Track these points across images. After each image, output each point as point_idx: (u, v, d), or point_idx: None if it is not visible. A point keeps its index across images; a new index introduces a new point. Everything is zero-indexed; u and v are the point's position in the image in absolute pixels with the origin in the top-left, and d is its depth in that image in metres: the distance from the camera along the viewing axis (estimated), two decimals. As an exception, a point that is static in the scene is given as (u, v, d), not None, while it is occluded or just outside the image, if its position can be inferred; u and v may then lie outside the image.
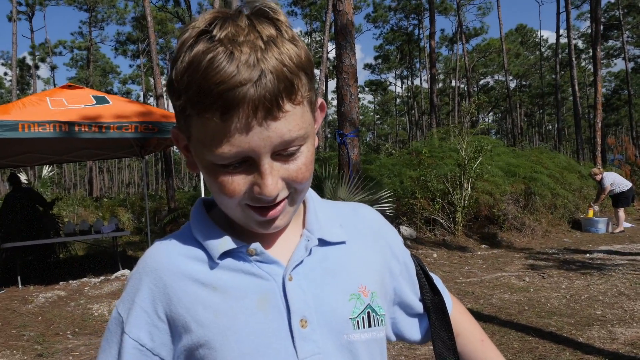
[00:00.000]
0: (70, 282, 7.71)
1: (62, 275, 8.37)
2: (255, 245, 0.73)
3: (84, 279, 7.86)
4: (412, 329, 0.91)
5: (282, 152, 0.65)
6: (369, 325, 0.76)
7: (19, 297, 6.92)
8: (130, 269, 8.36)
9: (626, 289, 6.06)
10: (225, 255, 0.73)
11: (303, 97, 0.65)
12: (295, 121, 0.64)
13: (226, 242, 0.73)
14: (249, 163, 0.65)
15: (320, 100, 0.75)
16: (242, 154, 0.63)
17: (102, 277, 7.91)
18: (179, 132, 0.71)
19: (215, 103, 0.60)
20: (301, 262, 0.75)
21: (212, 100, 0.60)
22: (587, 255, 8.55)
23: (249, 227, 0.72)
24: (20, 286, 7.55)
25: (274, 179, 0.65)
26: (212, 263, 0.73)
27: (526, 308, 5.44)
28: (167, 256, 0.76)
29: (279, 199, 0.67)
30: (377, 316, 0.77)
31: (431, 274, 0.94)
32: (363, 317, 0.75)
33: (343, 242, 0.80)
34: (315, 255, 0.76)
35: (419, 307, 0.90)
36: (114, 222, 9.36)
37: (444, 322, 0.90)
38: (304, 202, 0.83)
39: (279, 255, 0.75)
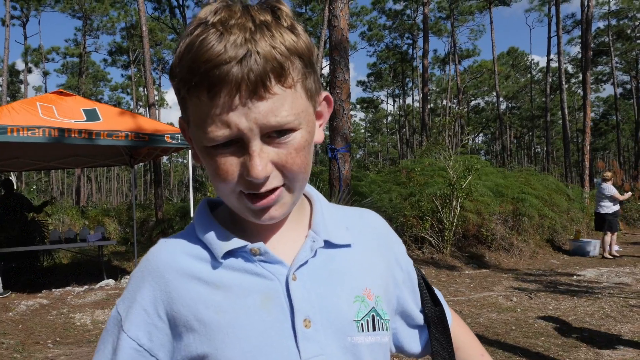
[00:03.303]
0: (53, 290, 7.60)
1: (45, 283, 8.24)
2: (259, 245, 0.72)
3: (68, 288, 7.75)
4: (412, 341, 0.89)
5: (273, 135, 0.65)
6: (374, 329, 0.74)
7: (0, 304, 6.79)
8: (115, 278, 8.29)
9: (613, 311, 6.07)
10: (228, 254, 0.73)
11: (295, 82, 0.64)
12: (284, 104, 0.63)
13: (230, 241, 0.73)
14: (240, 145, 0.65)
15: (324, 93, 0.74)
16: (231, 135, 0.63)
17: (86, 287, 7.80)
18: (182, 121, 0.72)
19: (202, 81, 0.62)
20: (306, 262, 0.73)
21: (199, 78, 0.62)
22: (575, 277, 8.57)
23: (246, 217, 0.72)
24: (1, 288, 7.42)
25: (262, 161, 0.64)
26: (215, 262, 0.73)
27: (513, 328, 5.42)
28: (170, 255, 0.75)
29: (270, 186, 0.66)
30: (382, 320, 0.76)
31: (432, 287, 0.92)
32: (367, 320, 0.74)
33: (348, 245, 0.79)
34: (320, 257, 0.75)
35: (419, 318, 0.88)
36: (100, 230, 9.27)
37: (444, 334, 0.88)
38: (310, 204, 0.82)
39: (283, 255, 0.74)
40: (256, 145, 0.64)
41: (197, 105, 0.64)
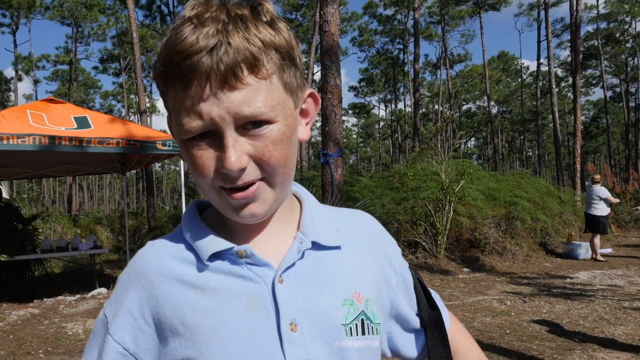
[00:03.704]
0: (44, 299, 7.53)
1: (37, 292, 8.17)
2: (245, 247, 0.71)
3: (59, 297, 7.68)
4: (408, 345, 0.87)
5: (249, 127, 0.64)
6: (363, 333, 0.73)
7: (-9, 314, 6.72)
8: (108, 287, 8.23)
9: (606, 314, 6.08)
10: (215, 257, 0.72)
11: (270, 74, 0.64)
12: (258, 95, 0.63)
13: (215, 244, 0.72)
14: (216, 137, 0.65)
15: (309, 90, 0.74)
16: (205, 125, 0.63)
17: (78, 295, 7.74)
18: (169, 119, 0.72)
19: (175, 73, 0.62)
20: (293, 264, 0.72)
21: (172, 70, 0.63)
22: (568, 280, 8.59)
23: (228, 216, 0.71)
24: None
25: (237, 152, 0.64)
26: (201, 265, 0.72)
27: (508, 332, 5.42)
28: (156, 258, 0.75)
29: (247, 178, 0.66)
30: (372, 324, 0.74)
31: (429, 289, 0.91)
32: (356, 324, 0.72)
33: (338, 247, 0.77)
34: (308, 259, 0.74)
35: (415, 321, 0.86)
36: (92, 239, 9.20)
37: (440, 338, 0.86)
38: (300, 205, 0.81)
39: (271, 257, 0.73)
40: (230, 136, 0.64)
41: (173, 98, 0.65)
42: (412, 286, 0.87)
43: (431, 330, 0.86)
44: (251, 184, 0.67)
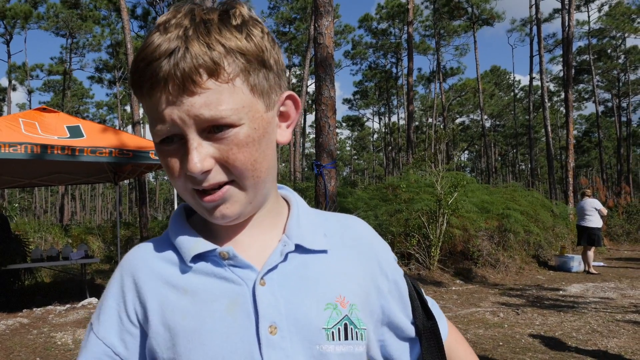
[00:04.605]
0: (34, 309, 7.44)
1: (26, 302, 8.07)
2: (228, 249, 0.71)
3: (49, 307, 7.59)
4: (403, 354, 0.84)
5: (213, 131, 0.65)
6: (345, 338, 0.71)
7: (-21, 324, 6.63)
8: (98, 297, 8.13)
9: (599, 326, 6.08)
10: (198, 258, 0.72)
11: (232, 77, 0.64)
12: (220, 99, 0.63)
13: (198, 245, 0.72)
14: (183, 142, 0.66)
15: (287, 92, 0.74)
16: (170, 129, 0.65)
17: (68, 305, 7.66)
18: None
19: (141, 79, 0.64)
20: (275, 267, 0.71)
21: (138, 76, 0.64)
22: (561, 292, 8.59)
23: (204, 217, 0.71)
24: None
25: (199, 155, 0.64)
26: (185, 266, 0.72)
27: (501, 344, 5.40)
28: (142, 258, 0.75)
29: (213, 181, 0.66)
30: (356, 329, 0.72)
31: (427, 297, 0.89)
32: (339, 329, 0.71)
33: (324, 251, 0.76)
34: (292, 262, 0.73)
35: (410, 330, 0.83)
36: (83, 248, 9.13)
37: (436, 348, 0.84)
38: (288, 207, 0.81)
39: (254, 259, 0.72)
40: (193, 139, 0.64)
41: (144, 103, 0.67)
42: (406, 294, 0.85)
43: (427, 339, 0.84)
44: (219, 186, 0.67)
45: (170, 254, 0.74)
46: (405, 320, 0.83)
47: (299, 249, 0.74)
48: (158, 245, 0.76)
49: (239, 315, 0.68)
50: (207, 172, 0.65)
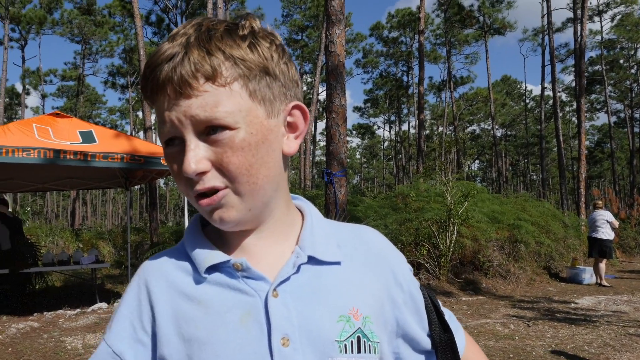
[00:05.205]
0: (44, 313, 7.48)
1: (37, 306, 8.12)
2: (241, 260, 0.71)
3: (60, 311, 7.63)
4: None
5: (210, 133, 0.66)
6: (358, 351, 0.70)
7: (-10, 327, 6.68)
8: (108, 302, 8.18)
9: (611, 339, 6.00)
10: (212, 269, 0.72)
11: (229, 81, 0.65)
12: (217, 101, 0.65)
13: (212, 256, 0.72)
14: (184, 144, 0.67)
15: (294, 102, 0.74)
16: (171, 131, 0.67)
17: (78, 310, 7.69)
18: None
19: (147, 84, 0.67)
20: (288, 278, 0.71)
21: (145, 81, 0.68)
22: (572, 305, 8.50)
23: (208, 220, 0.72)
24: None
25: (195, 157, 0.66)
26: (199, 277, 0.72)
27: (511, 356, 5.35)
28: (158, 268, 0.76)
29: (208, 184, 0.67)
30: (369, 342, 0.72)
31: (443, 309, 0.88)
32: (352, 341, 0.70)
33: (338, 263, 0.76)
34: (305, 273, 0.73)
35: (426, 342, 0.82)
36: (94, 253, 9.17)
37: None
38: (302, 218, 0.80)
39: (267, 271, 0.72)
40: (190, 140, 0.66)
41: (152, 106, 0.70)
42: (422, 306, 0.84)
43: (443, 352, 0.83)
44: (215, 191, 0.67)
45: (185, 265, 0.75)
46: (420, 332, 0.82)
47: (312, 260, 0.74)
48: (174, 255, 0.77)
49: (252, 327, 0.68)
50: (203, 174, 0.66)
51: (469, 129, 57.59)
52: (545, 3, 29.46)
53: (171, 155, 0.69)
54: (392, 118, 58.55)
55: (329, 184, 7.86)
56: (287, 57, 0.73)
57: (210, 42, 0.65)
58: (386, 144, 67.11)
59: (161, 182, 54.66)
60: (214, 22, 0.69)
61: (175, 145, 0.68)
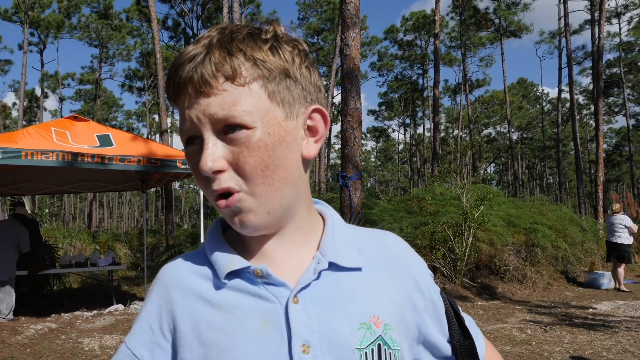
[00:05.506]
0: (62, 314, 7.57)
1: (55, 307, 8.22)
2: (262, 267, 0.71)
3: (77, 312, 7.71)
4: None
5: (225, 132, 0.67)
6: (379, 359, 0.70)
7: (9, 327, 6.77)
8: (125, 304, 8.25)
9: (631, 346, 5.92)
10: (233, 275, 0.72)
11: (248, 81, 0.66)
12: (235, 100, 0.65)
13: (233, 262, 0.72)
14: (203, 143, 0.68)
15: (314, 106, 0.74)
16: (190, 129, 0.68)
17: (95, 311, 7.76)
18: None
19: (169, 83, 0.69)
20: (308, 285, 0.71)
21: (168, 80, 0.69)
22: (590, 310, 8.40)
23: (230, 224, 0.72)
24: (12, 315, 7.41)
25: (212, 155, 0.66)
26: (219, 282, 0.72)
27: (528, 361, 5.29)
28: (178, 273, 0.76)
29: (224, 184, 0.67)
30: (390, 350, 0.71)
31: (463, 314, 0.87)
32: (372, 349, 0.70)
33: (359, 269, 0.75)
34: (326, 279, 0.73)
35: (447, 349, 0.82)
36: (111, 255, 9.26)
37: None
38: (323, 222, 0.80)
39: (288, 277, 0.72)
40: (208, 139, 0.67)
41: (175, 106, 0.71)
42: (443, 312, 0.83)
43: (463, 358, 0.82)
44: (231, 192, 0.68)
45: (205, 270, 0.75)
46: (441, 338, 0.81)
47: (333, 266, 0.73)
48: (194, 259, 0.77)
49: (272, 333, 0.68)
50: (219, 172, 0.67)
51: (485, 132, 57.19)
52: (562, 5, 29.23)
53: (191, 153, 0.70)
54: (407, 121, 58.41)
55: (344, 187, 7.85)
56: (310, 62, 0.74)
57: (232, 43, 0.67)
58: (401, 146, 66.93)
59: (177, 184, 55.03)
60: (238, 27, 0.70)
61: (195, 144, 0.69)
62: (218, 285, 0.72)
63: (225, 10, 18.85)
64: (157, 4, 18.61)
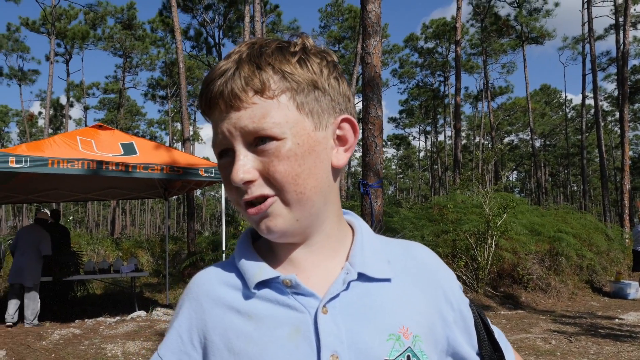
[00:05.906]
0: (86, 320, 7.67)
1: (78, 313, 8.33)
2: (291, 277, 0.71)
3: (100, 318, 7.81)
4: None
5: (256, 144, 0.68)
6: None
7: (34, 332, 6.88)
8: (147, 310, 8.33)
9: (659, 358, 5.78)
10: (262, 285, 0.73)
11: (277, 94, 0.68)
12: (265, 113, 0.67)
13: (262, 272, 0.73)
14: (234, 156, 0.70)
15: (343, 116, 0.75)
16: (222, 142, 0.70)
17: (117, 317, 7.85)
18: None
19: (201, 98, 0.72)
20: (337, 295, 0.71)
21: (201, 96, 0.72)
22: (617, 320, 8.23)
23: (258, 231, 0.73)
24: (37, 320, 7.54)
25: (243, 166, 0.68)
26: (249, 292, 0.73)
27: (553, 372, 5.20)
28: (208, 283, 0.77)
29: (255, 192, 0.69)
30: None
31: (493, 327, 0.86)
32: None
33: (388, 280, 0.75)
34: (354, 290, 0.73)
35: None
36: (134, 262, 9.36)
37: None
38: (353, 233, 0.80)
39: (317, 287, 0.72)
40: (239, 150, 0.69)
41: (208, 120, 0.74)
42: (472, 324, 0.82)
43: None
44: (263, 199, 0.69)
45: (235, 280, 0.75)
46: (470, 351, 0.81)
47: (362, 277, 0.73)
48: (224, 269, 0.78)
49: (301, 343, 0.68)
50: (250, 182, 0.68)
51: (507, 139, 56.60)
52: (585, 11, 28.88)
53: (224, 165, 0.72)
54: (428, 128, 58.10)
55: (365, 195, 7.83)
56: (339, 72, 0.75)
57: (260, 57, 0.69)
58: (422, 154, 66.59)
59: (198, 192, 55.44)
60: (267, 41, 0.72)
61: (228, 156, 0.71)
62: (247, 295, 0.73)
63: (247, 19, 19.02)
64: (179, 14, 18.87)
